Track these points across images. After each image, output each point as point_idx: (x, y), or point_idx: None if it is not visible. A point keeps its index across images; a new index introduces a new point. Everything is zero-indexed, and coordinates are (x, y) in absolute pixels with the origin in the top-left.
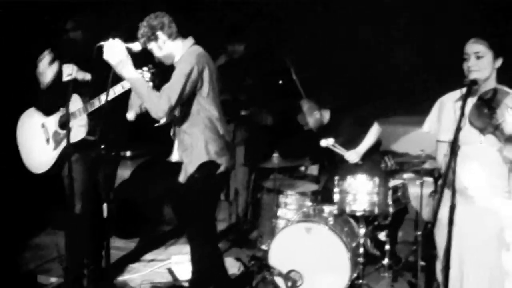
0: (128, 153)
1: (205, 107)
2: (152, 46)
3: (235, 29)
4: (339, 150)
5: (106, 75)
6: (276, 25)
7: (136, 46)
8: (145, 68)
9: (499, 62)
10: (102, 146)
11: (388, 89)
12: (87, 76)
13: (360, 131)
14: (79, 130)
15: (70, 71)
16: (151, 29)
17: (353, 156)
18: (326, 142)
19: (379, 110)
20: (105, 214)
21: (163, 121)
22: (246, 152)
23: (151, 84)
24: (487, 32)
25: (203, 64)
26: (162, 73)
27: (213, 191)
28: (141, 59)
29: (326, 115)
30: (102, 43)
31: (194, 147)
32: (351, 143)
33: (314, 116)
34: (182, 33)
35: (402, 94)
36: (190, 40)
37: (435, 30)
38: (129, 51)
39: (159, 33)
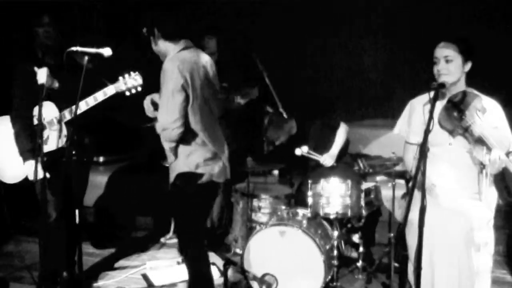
0: (101, 159)
1: (190, 119)
2: (151, 39)
3: (209, 25)
4: (314, 156)
5: (77, 82)
6: (245, 28)
7: (107, 51)
8: (126, 76)
9: (469, 65)
10: (74, 152)
11: (358, 93)
12: (56, 84)
13: (329, 134)
14: (56, 138)
15: (43, 76)
16: (151, 22)
17: (328, 159)
18: (301, 151)
19: (350, 114)
20: (77, 220)
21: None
22: None
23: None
24: (455, 36)
25: (184, 74)
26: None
27: (193, 200)
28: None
29: (294, 126)
30: (72, 48)
31: (176, 156)
32: (321, 148)
33: (283, 130)
34: (180, 36)
35: (372, 98)
36: (181, 44)
37: (403, 34)
38: (101, 56)
39: (155, 29)
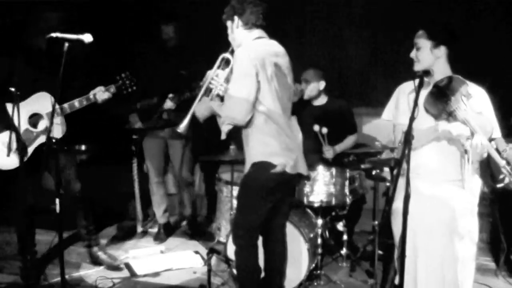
0: (82, 147)
1: (263, 107)
2: (228, 25)
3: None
4: (323, 141)
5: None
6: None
7: (87, 38)
8: (123, 75)
9: (442, 50)
10: (53, 140)
11: (341, 83)
12: None
13: (343, 127)
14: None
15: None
16: (233, 9)
17: (330, 152)
18: (319, 129)
19: None
20: (57, 209)
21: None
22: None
23: None
24: (428, 22)
25: (254, 62)
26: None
27: (263, 189)
28: None
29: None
30: (53, 34)
31: (249, 146)
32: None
33: (317, 83)
34: (256, 26)
35: (355, 87)
36: (255, 33)
37: (385, 23)
38: (81, 42)
39: (236, 17)
